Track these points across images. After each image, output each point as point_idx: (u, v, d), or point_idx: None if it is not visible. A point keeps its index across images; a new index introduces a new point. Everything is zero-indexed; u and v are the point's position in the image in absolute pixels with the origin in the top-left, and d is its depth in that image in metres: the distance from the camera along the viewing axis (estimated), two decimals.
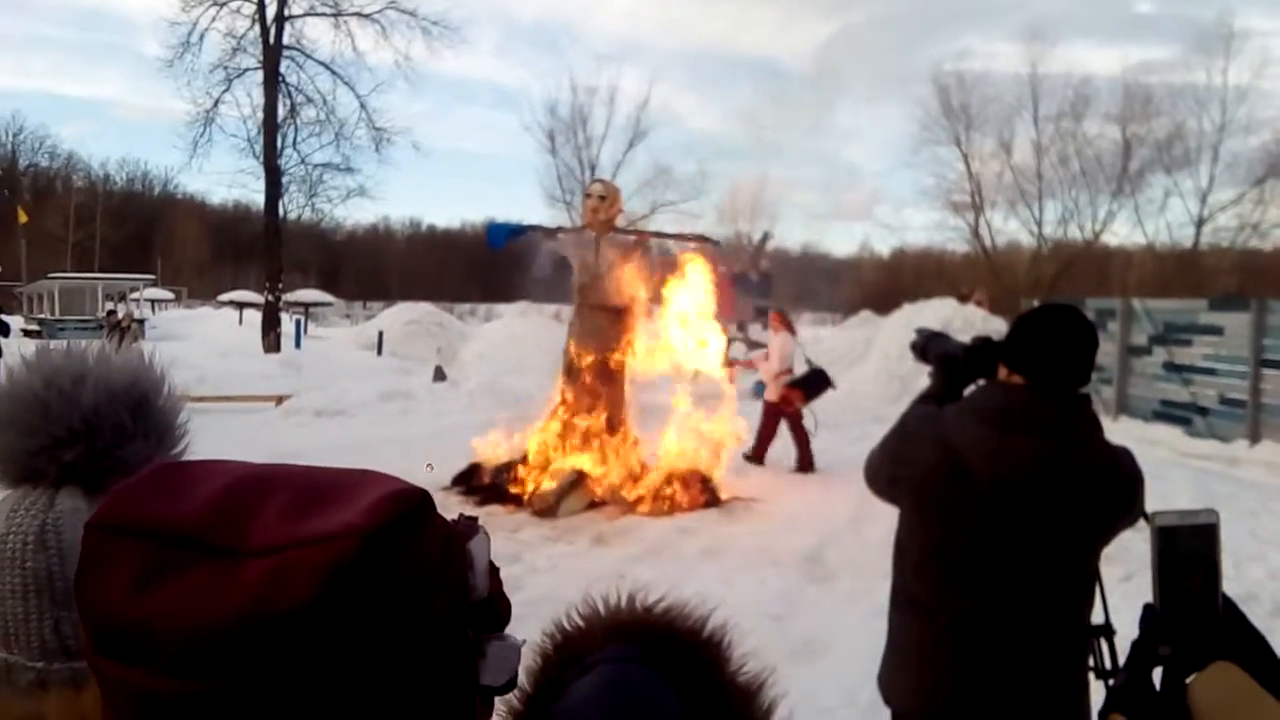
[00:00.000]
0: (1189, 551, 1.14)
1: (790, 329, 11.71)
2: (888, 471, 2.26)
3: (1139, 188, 33.04)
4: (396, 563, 0.51)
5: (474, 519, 0.61)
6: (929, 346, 2.51)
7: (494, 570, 0.62)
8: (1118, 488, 2.07)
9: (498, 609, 0.62)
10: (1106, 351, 14.82)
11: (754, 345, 23.34)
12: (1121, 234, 35.86)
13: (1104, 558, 2.28)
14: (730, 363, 10.83)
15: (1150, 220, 33.97)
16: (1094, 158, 33.12)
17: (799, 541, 7.06)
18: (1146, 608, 1.15)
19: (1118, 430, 12.47)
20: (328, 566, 0.48)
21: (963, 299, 19.81)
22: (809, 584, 6.20)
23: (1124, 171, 32.63)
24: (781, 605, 5.73)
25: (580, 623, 0.71)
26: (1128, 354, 14.62)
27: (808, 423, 10.49)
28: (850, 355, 18.43)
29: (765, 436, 10.66)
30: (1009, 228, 35.90)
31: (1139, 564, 5.12)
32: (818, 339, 22.04)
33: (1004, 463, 2.03)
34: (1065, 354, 2.08)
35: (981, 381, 2.28)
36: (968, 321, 17.19)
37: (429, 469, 14.57)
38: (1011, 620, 2.07)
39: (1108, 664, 2.18)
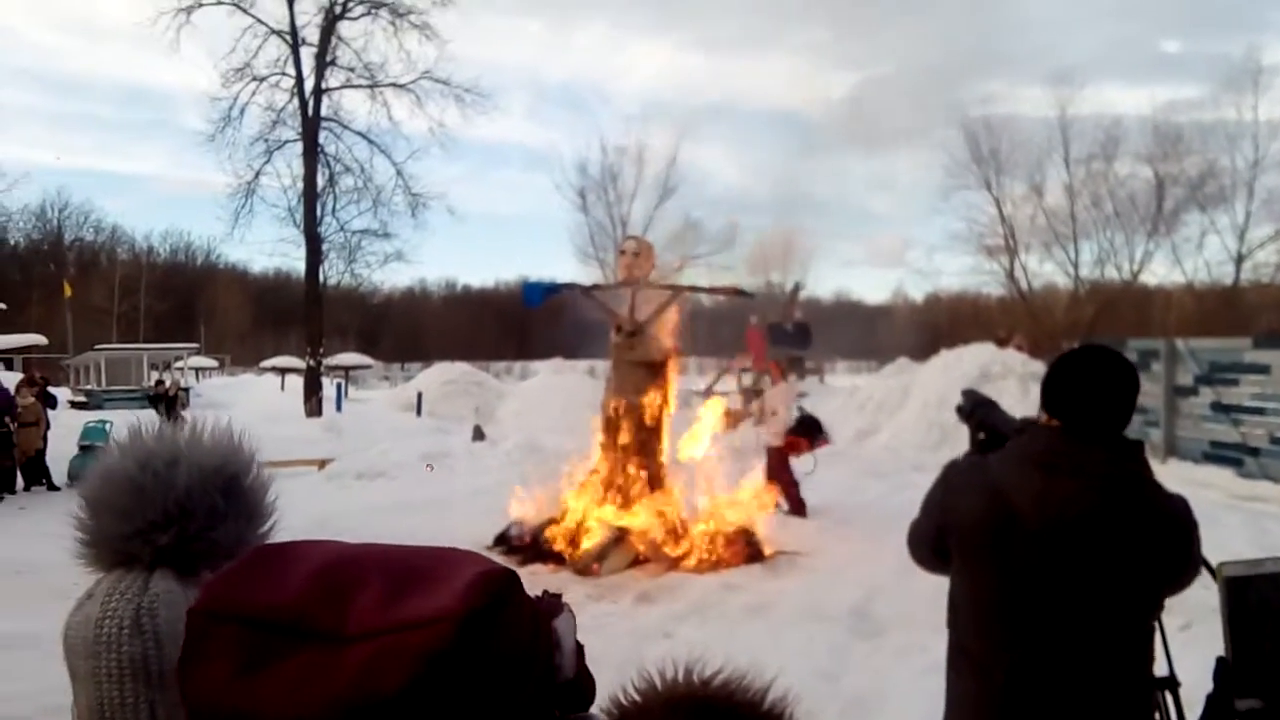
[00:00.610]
0: (1259, 601, 1.11)
1: (786, 377, 11.97)
2: (936, 522, 2.24)
3: (1175, 227, 32.71)
4: (489, 645, 0.52)
5: (558, 596, 0.62)
6: (975, 413, 2.50)
7: (579, 650, 0.62)
8: (1171, 532, 2.04)
9: (583, 688, 0.62)
10: (1152, 393, 14.53)
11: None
12: (1160, 273, 35.38)
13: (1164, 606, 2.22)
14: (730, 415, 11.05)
15: (1188, 259, 33.55)
16: (1127, 198, 32.88)
17: (846, 596, 6.95)
18: (1219, 661, 1.12)
19: (1168, 473, 12.19)
20: (425, 651, 0.50)
21: (1001, 343, 19.58)
22: (858, 640, 6.09)
23: (1159, 211, 32.34)
24: (831, 662, 5.63)
25: (637, 698, 0.70)
26: (1174, 395, 14.34)
27: (806, 465, 10.49)
28: (889, 404, 18.24)
29: (787, 486, 10.55)
30: (1045, 270, 35.57)
31: (1199, 612, 5.00)
32: (855, 388, 21.87)
33: (1052, 504, 2.02)
34: (1099, 396, 2.07)
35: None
36: (1007, 366, 16.98)
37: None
38: (1069, 671, 2.03)
39: (1174, 719, 2.12)
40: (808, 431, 10.74)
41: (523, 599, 0.57)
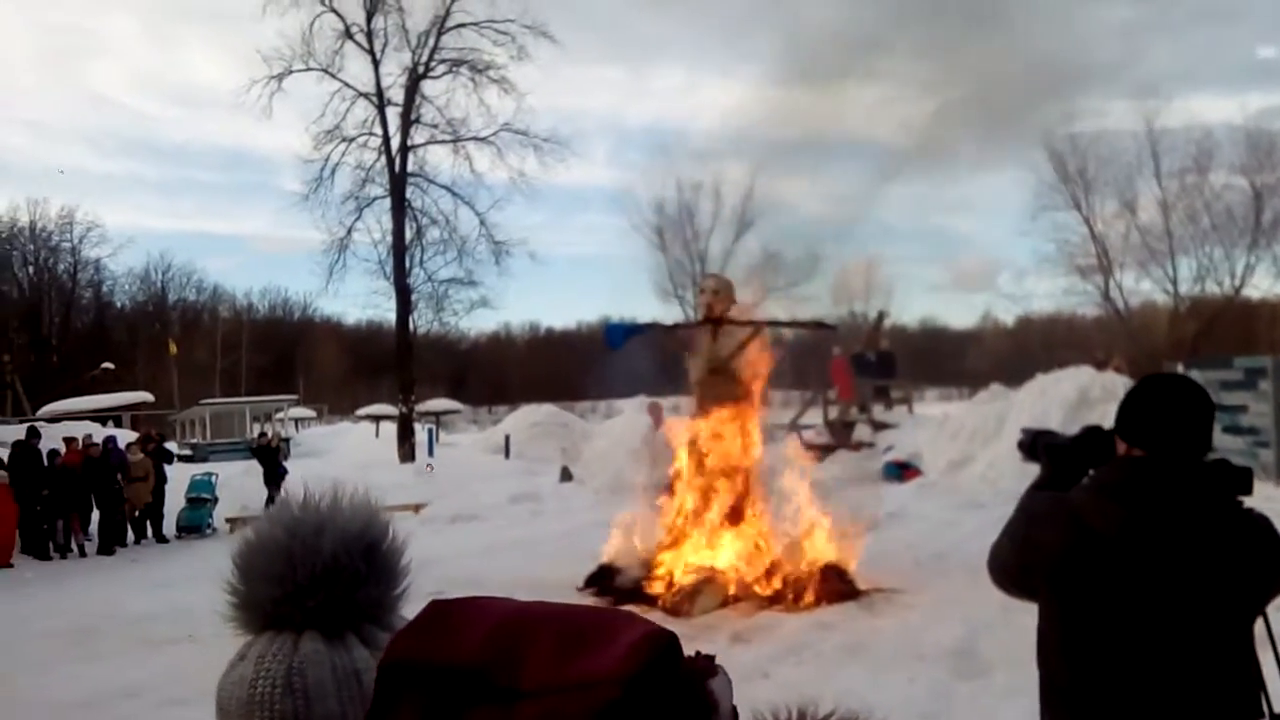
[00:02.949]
0: None
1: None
2: (1020, 560, 2.23)
3: (1275, 238, 31.30)
4: (654, 707, 0.55)
5: (711, 657, 0.63)
6: (1036, 442, 2.52)
7: (735, 713, 0.64)
8: (1260, 554, 2.02)
9: None
10: (1261, 412, 13.88)
11: (880, 426, 22.83)
12: (1263, 287, 33.71)
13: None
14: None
15: None
16: (1224, 211, 31.61)
17: (947, 634, 6.76)
18: None
19: None
20: (595, 711, 0.53)
21: (1100, 365, 18.93)
22: (961, 680, 5.91)
23: (1257, 223, 31.01)
24: (934, 704, 5.48)
25: None
26: None
27: None
28: (983, 432, 17.75)
29: None
30: (1142, 288, 34.28)
31: None
32: (946, 417, 21.37)
33: (1136, 535, 2.00)
34: (1182, 421, 2.08)
35: (1092, 472, 2.27)
36: (1107, 389, 16.38)
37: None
38: (1166, 704, 1.97)
39: None
40: None
41: (683, 660, 0.59)
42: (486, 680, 0.56)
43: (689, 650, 0.62)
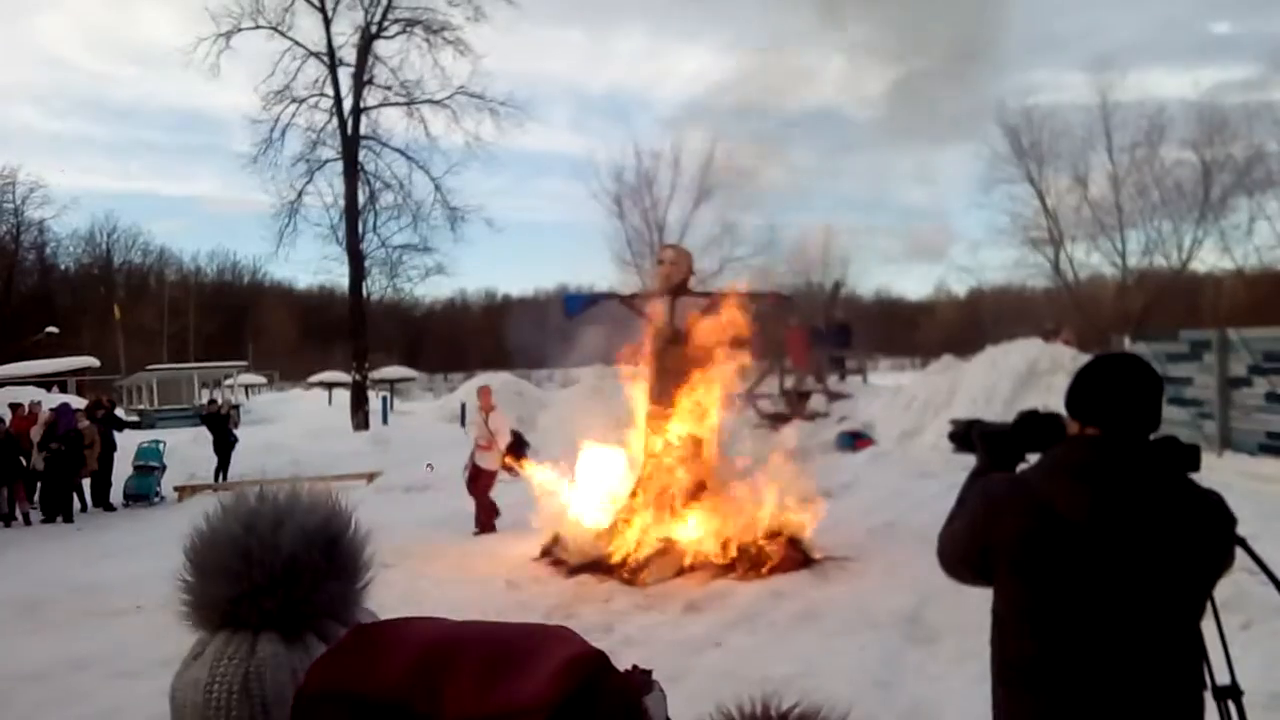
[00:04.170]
0: None
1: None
2: (979, 543, 2.21)
3: (1223, 213, 32.01)
4: None
5: (648, 673, 0.62)
6: (970, 431, 2.53)
7: None
8: (1215, 531, 2.07)
9: None
10: (1205, 385, 14.24)
11: (834, 396, 23.06)
12: (1209, 261, 34.52)
13: (1221, 604, 2.20)
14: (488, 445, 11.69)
15: (1238, 245, 32.82)
16: (1174, 186, 32.21)
17: (897, 601, 6.88)
18: None
19: (1223, 466, 11.92)
20: None
21: (1048, 337, 19.26)
22: (911, 646, 6.03)
23: (1206, 198, 31.65)
24: (885, 670, 5.58)
25: None
26: (1227, 386, 14.02)
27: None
28: (934, 402, 18.01)
29: (485, 506, 11.30)
30: (1091, 261, 34.90)
31: (1259, 611, 4.88)
32: (899, 387, 21.65)
33: (1100, 512, 2.03)
34: (1135, 398, 2.11)
35: (1032, 457, 2.29)
36: (1055, 361, 16.70)
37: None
38: (1126, 680, 2.02)
39: None
40: (519, 450, 11.71)
41: (613, 680, 0.58)
42: (408, 711, 0.54)
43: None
